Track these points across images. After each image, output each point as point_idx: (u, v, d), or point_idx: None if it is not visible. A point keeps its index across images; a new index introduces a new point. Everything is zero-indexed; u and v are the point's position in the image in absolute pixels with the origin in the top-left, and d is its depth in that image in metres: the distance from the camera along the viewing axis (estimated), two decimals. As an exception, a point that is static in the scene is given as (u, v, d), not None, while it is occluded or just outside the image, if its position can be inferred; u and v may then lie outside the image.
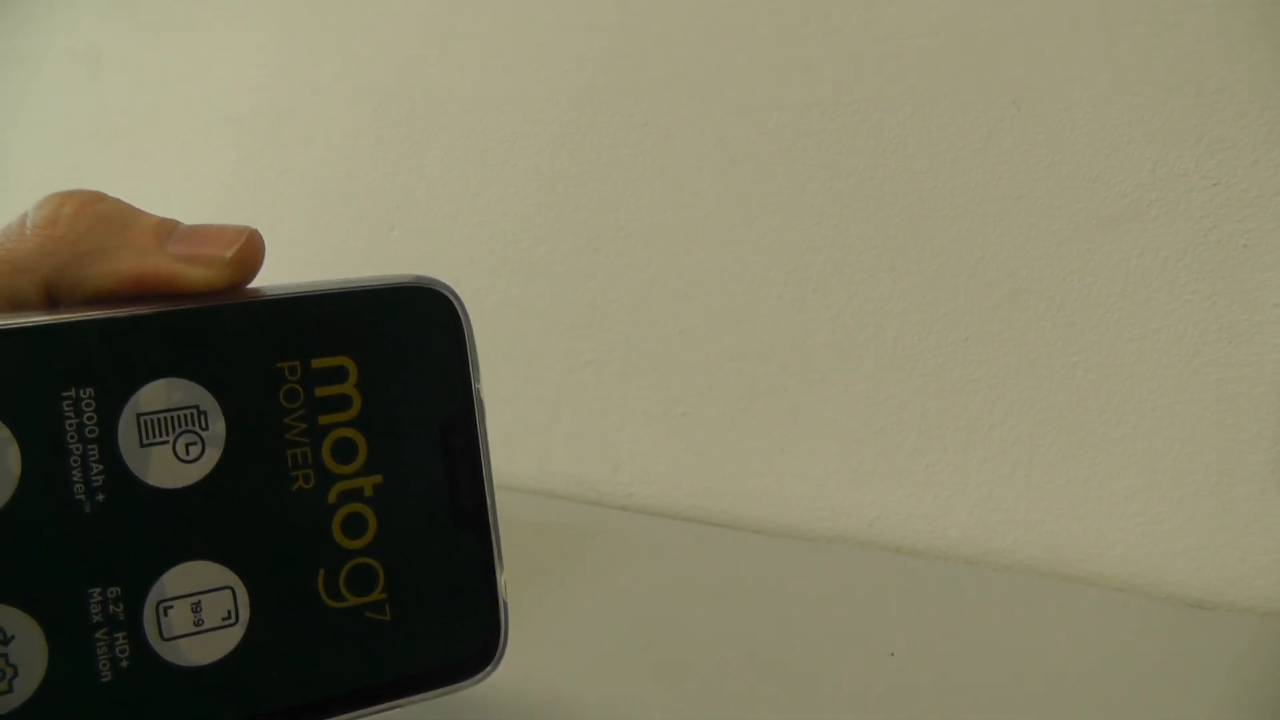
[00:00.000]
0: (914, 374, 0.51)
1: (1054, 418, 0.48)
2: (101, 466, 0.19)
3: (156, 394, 0.19)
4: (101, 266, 0.20)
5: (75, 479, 0.19)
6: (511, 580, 0.43)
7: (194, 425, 0.20)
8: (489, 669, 0.22)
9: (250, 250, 0.22)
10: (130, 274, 0.20)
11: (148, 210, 0.22)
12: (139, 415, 0.19)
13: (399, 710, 0.21)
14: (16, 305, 0.20)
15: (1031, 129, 0.48)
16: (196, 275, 0.21)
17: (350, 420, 0.21)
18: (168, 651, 0.19)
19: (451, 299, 0.23)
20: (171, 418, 0.19)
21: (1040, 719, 0.31)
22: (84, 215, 0.21)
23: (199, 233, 0.22)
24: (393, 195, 0.68)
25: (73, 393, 0.19)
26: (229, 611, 0.20)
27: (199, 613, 0.19)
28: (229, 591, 0.20)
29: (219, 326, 0.20)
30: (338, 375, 0.21)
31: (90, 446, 0.19)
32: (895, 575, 0.45)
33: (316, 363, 0.21)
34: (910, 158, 0.51)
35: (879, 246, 0.52)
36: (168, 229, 0.21)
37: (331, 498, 0.21)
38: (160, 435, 0.19)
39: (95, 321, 0.19)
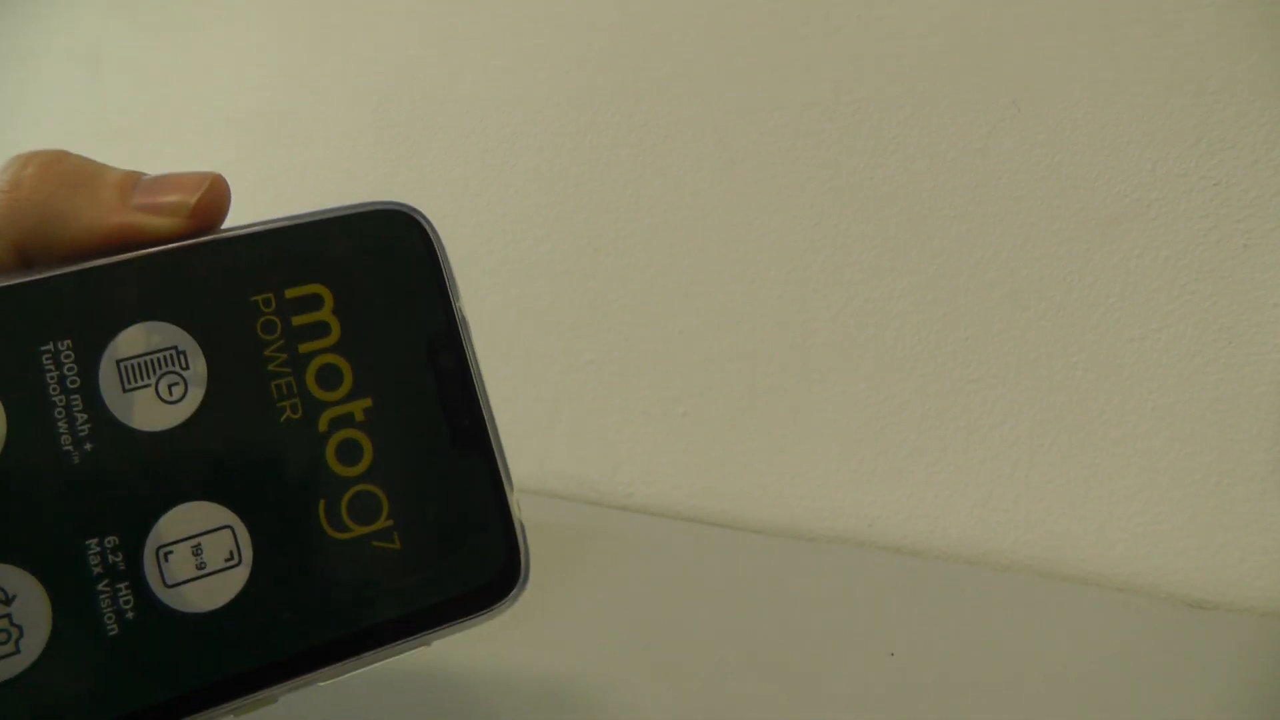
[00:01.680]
0: (914, 374, 0.51)
1: (1054, 418, 0.48)
2: (86, 415, 0.19)
3: (134, 339, 0.19)
4: (69, 226, 0.20)
5: (61, 430, 0.19)
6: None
7: (174, 366, 0.20)
8: (515, 592, 0.21)
9: (214, 195, 0.21)
10: (98, 231, 0.21)
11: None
12: (118, 362, 0.19)
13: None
14: None
15: (1031, 129, 0.48)
16: (161, 225, 0.21)
17: (331, 346, 0.21)
18: (172, 599, 0.19)
19: (420, 220, 0.22)
20: (151, 361, 0.19)
21: (1040, 719, 0.31)
22: (48, 176, 0.21)
23: (162, 182, 0.21)
24: (393, 195, 0.68)
25: (51, 346, 0.19)
26: (231, 552, 0.19)
27: (200, 555, 0.19)
28: (228, 531, 0.19)
29: (189, 266, 0.20)
30: (313, 303, 0.21)
31: (73, 397, 0.19)
32: (895, 575, 0.45)
33: (290, 292, 0.21)
34: (910, 158, 0.51)
35: (879, 246, 0.52)
36: (131, 181, 0.21)
37: (322, 426, 0.20)
38: (142, 379, 0.19)
39: (65, 275, 0.19)
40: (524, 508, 0.52)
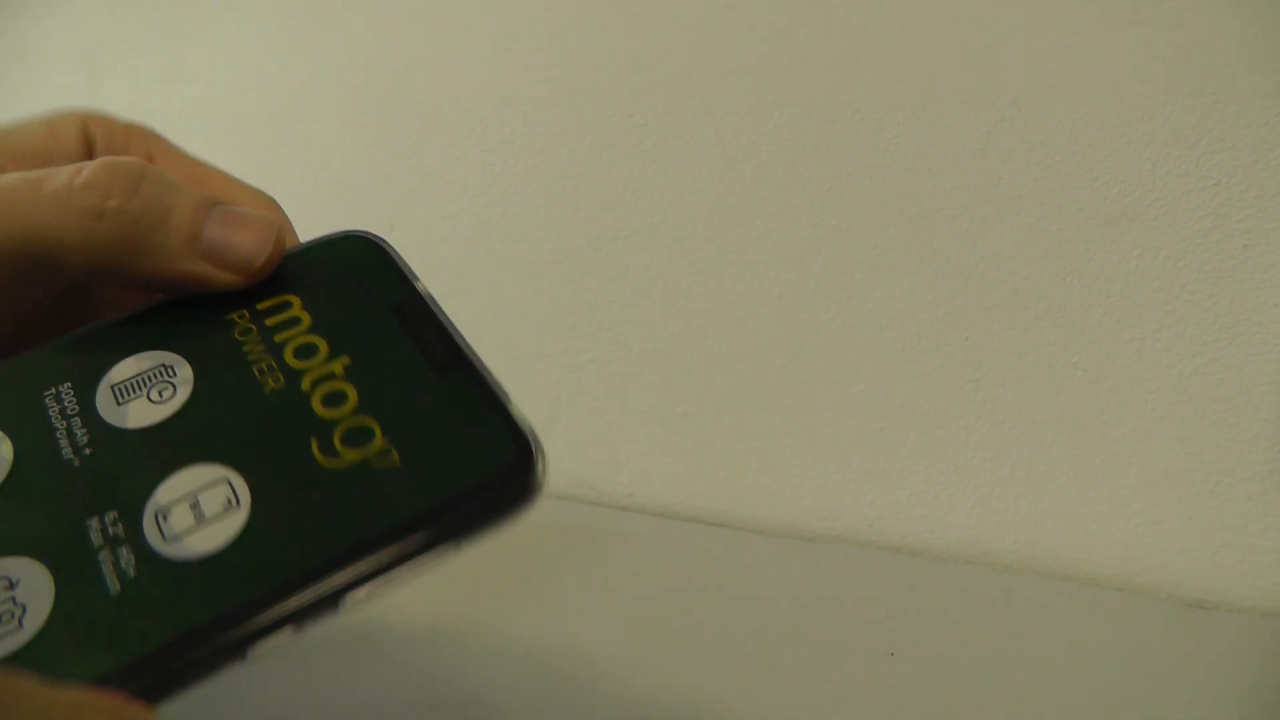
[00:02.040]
0: (914, 374, 0.51)
1: (1054, 418, 0.48)
2: (85, 429, 0.20)
3: (126, 367, 0.22)
4: (144, 265, 0.22)
5: (63, 445, 0.20)
6: (510, 579, 0.43)
7: (164, 377, 0.21)
8: (534, 491, 0.21)
9: (277, 256, 0.23)
10: (165, 276, 0.22)
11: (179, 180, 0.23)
12: (113, 386, 0.21)
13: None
14: (63, 280, 0.22)
15: (1031, 129, 0.48)
16: (225, 280, 0.23)
17: (305, 330, 0.22)
18: (173, 550, 0.19)
19: (376, 240, 0.24)
20: (142, 378, 0.21)
21: (1040, 719, 0.31)
22: (132, 205, 0.22)
23: (232, 225, 0.23)
24: (393, 195, 0.68)
25: (53, 390, 0.21)
26: (229, 499, 0.20)
27: (198, 509, 0.19)
28: (225, 483, 0.20)
29: (171, 309, 0.23)
30: (284, 306, 0.23)
31: (73, 419, 0.21)
32: (895, 575, 0.45)
33: (261, 305, 0.23)
34: (910, 158, 0.51)
35: (879, 246, 0.52)
36: (203, 216, 0.22)
37: (305, 385, 0.21)
38: (134, 393, 0.21)
39: (63, 341, 0.22)
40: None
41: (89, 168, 0.22)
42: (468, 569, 0.45)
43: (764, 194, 0.55)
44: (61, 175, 0.22)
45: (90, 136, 0.26)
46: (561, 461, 0.63)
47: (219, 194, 0.24)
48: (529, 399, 0.63)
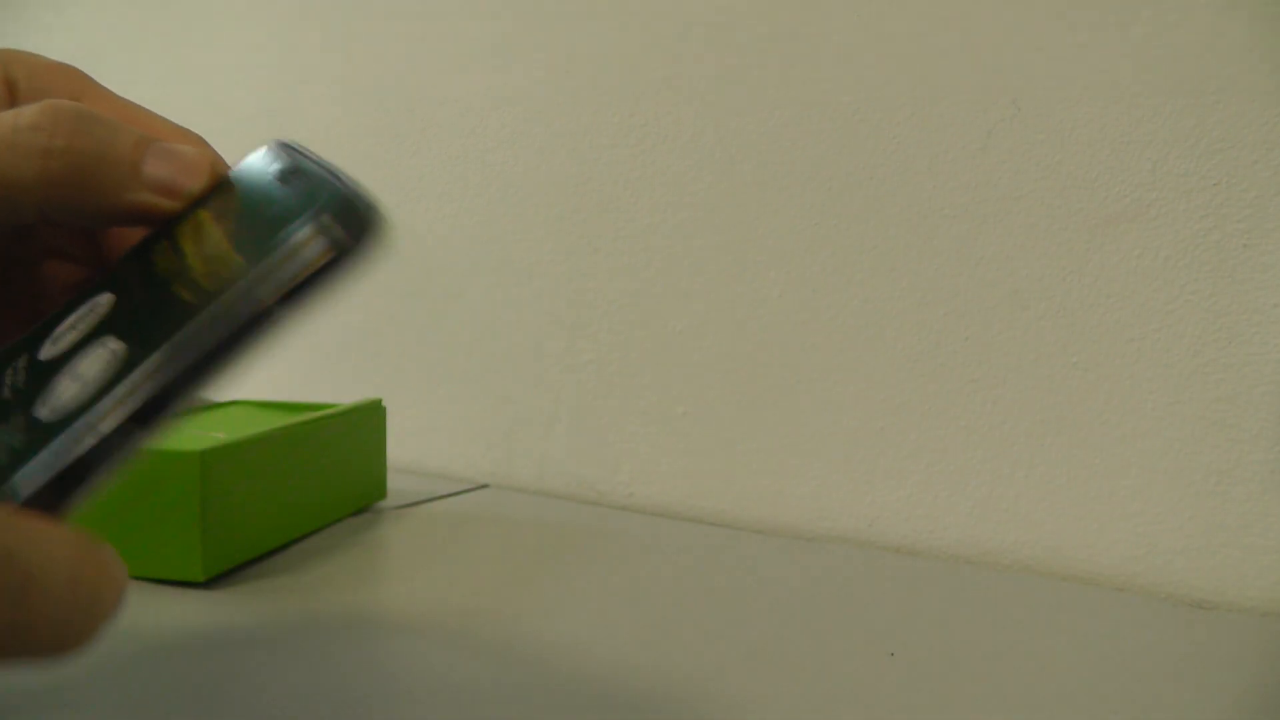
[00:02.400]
0: (914, 374, 0.51)
1: (1054, 417, 0.48)
2: (25, 369, 0.23)
3: (65, 325, 0.24)
4: (94, 199, 0.23)
5: (4, 389, 0.23)
6: (510, 579, 0.43)
7: (90, 311, 0.24)
8: (363, 226, 0.23)
9: (212, 182, 0.25)
10: (117, 207, 0.24)
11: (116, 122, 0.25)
12: (54, 338, 0.24)
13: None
14: (14, 222, 0.23)
15: (1031, 129, 0.48)
16: (166, 207, 0.24)
17: (204, 221, 0.24)
18: (49, 414, 0.21)
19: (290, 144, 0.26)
20: (74, 321, 0.24)
21: (1040, 719, 0.31)
22: (77, 142, 0.23)
23: (170, 160, 0.25)
24: (393, 195, 0.68)
25: (12, 363, 0.24)
26: (105, 359, 0.22)
27: (80, 377, 0.22)
28: (103, 346, 0.22)
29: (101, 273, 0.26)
30: (195, 218, 0.25)
31: (19, 370, 0.23)
32: (895, 575, 0.45)
33: (179, 229, 0.25)
34: (910, 158, 0.51)
35: (879, 246, 0.52)
36: (142, 153, 0.24)
37: (186, 249, 0.24)
38: (66, 334, 0.23)
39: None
40: (524, 508, 0.52)
41: (30, 110, 0.23)
42: (468, 569, 0.45)
43: (764, 194, 0.55)
44: (4, 119, 0.23)
45: (12, 78, 0.26)
46: (561, 461, 0.63)
47: (151, 131, 0.26)
48: (529, 399, 0.63)
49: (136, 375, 0.21)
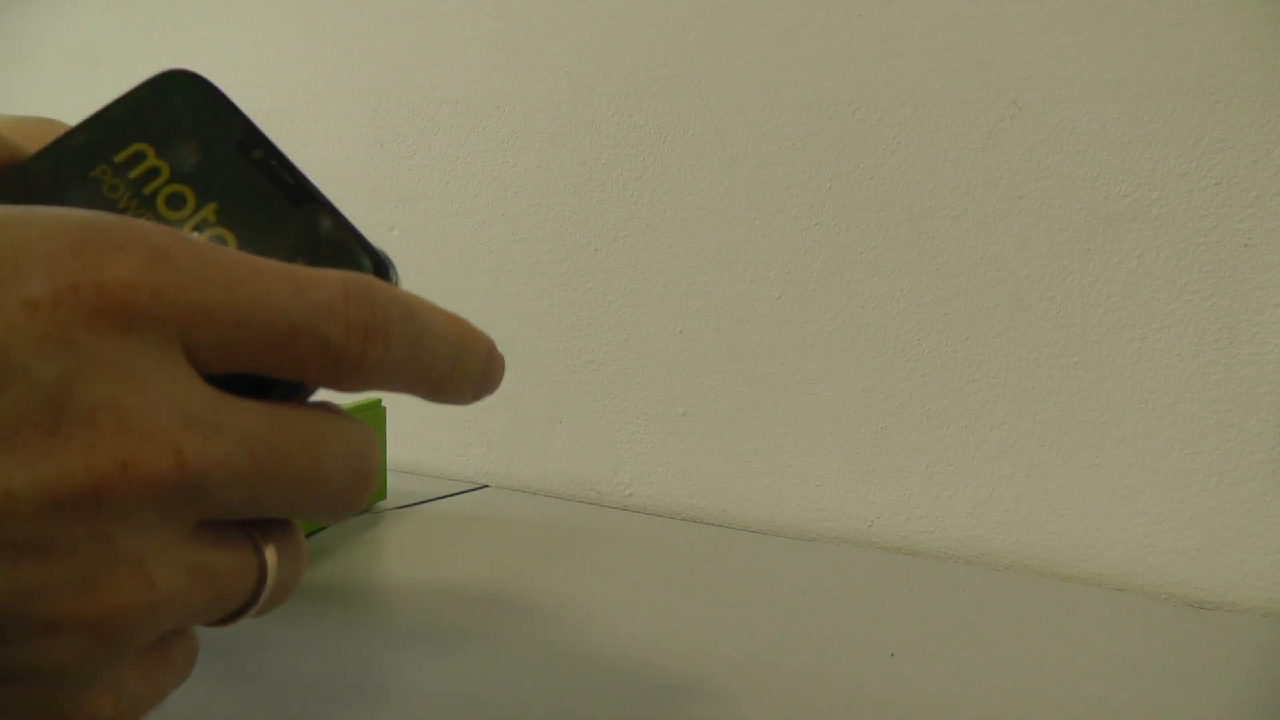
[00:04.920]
0: (914, 374, 0.51)
1: (1054, 418, 0.48)
2: None
3: None
4: None
5: None
6: (510, 579, 0.43)
7: None
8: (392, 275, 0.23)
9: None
10: None
11: None
12: None
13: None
14: None
15: (1031, 129, 0.48)
16: None
17: (167, 180, 0.24)
18: None
19: (196, 76, 0.25)
20: None
21: (1040, 719, 0.31)
22: None
23: None
24: (393, 195, 0.68)
25: None
26: None
27: None
28: None
29: (34, 174, 0.24)
30: (140, 157, 0.24)
31: None
32: (895, 575, 0.45)
33: (118, 157, 0.24)
34: (910, 158, 0.51)
35: (879, 246, 0.52)
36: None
37: (186, 232, 0.23)
38: None
39: None
40: (524, 508, 0.52)
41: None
42: (468, 569, 0.45)
43: (764, 194, 0.55)
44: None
45: None
46: (561, 461, 0.63)
47: None
48: (529, 399, 0.63)
49: None
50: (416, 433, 0.68)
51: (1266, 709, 0.33)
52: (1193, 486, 0.45)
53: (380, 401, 0.56)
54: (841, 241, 0.53)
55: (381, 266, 0.23)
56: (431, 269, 0.66)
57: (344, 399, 0.57)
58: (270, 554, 0.19)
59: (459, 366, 0.21)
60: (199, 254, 0.17)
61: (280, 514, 0.19)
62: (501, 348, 0.64)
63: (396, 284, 0.23)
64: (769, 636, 0.37)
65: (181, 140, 0.24)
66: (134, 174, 0.24)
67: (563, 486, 0.62)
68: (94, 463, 0.16)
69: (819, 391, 0.54)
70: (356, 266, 0.23)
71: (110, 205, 0.23)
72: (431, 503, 0.57)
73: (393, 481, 0.58)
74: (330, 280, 0.19)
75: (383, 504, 0.56)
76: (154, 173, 0.24)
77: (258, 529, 0.19)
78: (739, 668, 0.34)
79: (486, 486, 0.63)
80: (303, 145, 0.72)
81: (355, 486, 0.19)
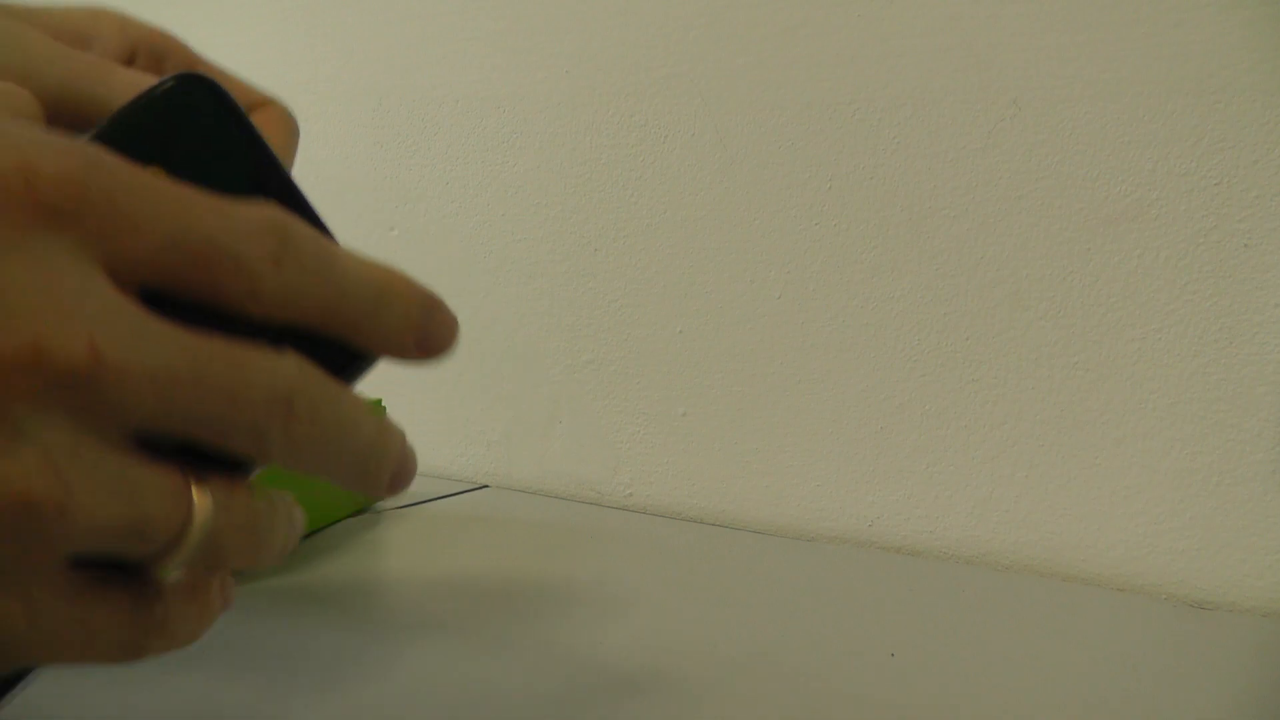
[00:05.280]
0: (914, 374, 0.51)
1: (1055, 418, 0.48)
2: None
3: None
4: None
5: None
6: (510, 579, 0.43)
7: None
8: None
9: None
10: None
11: None
12: None
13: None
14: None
15: (1031, 129, 0.48)
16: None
17: None
18: None
19: (212, 83, 0.23)
20: None
21: (1040, 719, 0.31)
22: None
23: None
24: (393, 195, 0.68)
25: None
26: None
27: None
28: None
29: None
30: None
31: None
32: (895, 575, 0.45)
33: None
34: (910, 158, 0.51)
35: (879, 246, 0.52)
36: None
37: None
38: None
39: None
40: (524, 508, 0.52)
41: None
42: (468, 568, 0.45)
43: (764, 194, 0.55)
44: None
45: (129, 35, 0.29)
46: (561, 461, 0.63)
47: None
48: (529, 399, 0.63)
49: None
50: (416, 433, 0.68)
51: (1266, 709, 0.33)
52: (1193, 486, 0.45)
53: (380, 402, 0.56)
54: (841, 241, 0.53)
55: None
56: (431, 269, 0.66)
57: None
58: (203, 494, 0.19)
59: (382, 308, 0.21)
60: (133, 174, 0.18)
61: (202, 434, 0.18)
62: (502, 347, 0.64)
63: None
64: (769, 636, 0.37)
65: (193, 169, 0.23)
66: None
67: (563, 486, 0.62)
68: (5, 341, 0.16)
69: (819, 391, 0.54)
70: None
71: None
72: (431, 503, 0.57)
73: (393, 481, 0.58)
74: (254, 209, 0.19)
75: (383, 504, 0.56)
76: None
77: (193, 468, 0.19)
78: (739, 668, 0.34)
79: (486, 486, 0.63)
80: (302, 145, 0.72)
81: (277, 412, 0.19)
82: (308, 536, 0.49)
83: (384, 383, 0.69)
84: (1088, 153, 0.47)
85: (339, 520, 0.52)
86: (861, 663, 0.35)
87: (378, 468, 0.23)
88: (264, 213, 0.19)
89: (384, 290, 0.21)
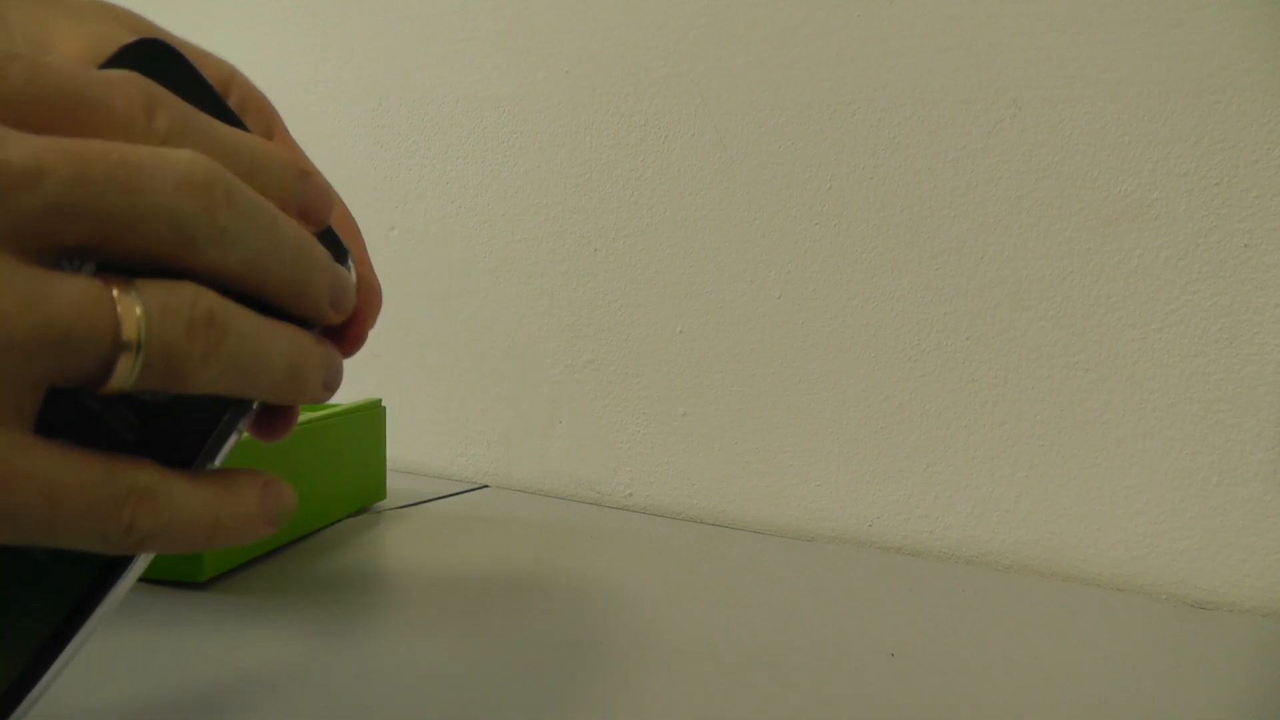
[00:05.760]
0: (914, 374, 0.51)
1: (1054, 418, 0.48)
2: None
3: None
4: None
5: None
6: (510, 579, 0.43)
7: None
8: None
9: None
10: None
11: None
12: None
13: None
14: None
15: (1031, 129, 0.48)
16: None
17: None
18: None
19: (164, 44, 0.23)
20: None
21: (1040, 719, 0.31)
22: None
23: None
24: (393, 195, 0.68)
25: None
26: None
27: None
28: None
29: None
30: None
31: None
32: (895, 575, 0.45)
33: None
34: (910, 158, 0.51)
35: (879, 246, 0.52)
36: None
37: None
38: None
39: None
40: (524, 508, 0.52)
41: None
42: (468, 569, 0.45)
43: (764, 194, 0.55)
44: None
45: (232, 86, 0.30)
46: (561, 461, 0.63)
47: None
48: (529, 399, 0.63)
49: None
50: (416, 433, 0.68)
51: (1266, 709, 0.33)
52: (1193, 486, 0.45)
53: (380, 402, 0.56)
54: (841, 241, 0.53)
55: (341, 252, 0.24)
56: (431, 269, 0.66)
57: (344, 399, 0.58)
58: (128, 296, 0.17)
59: (301, 256, 0.21)
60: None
61: (117, 236, 0.17)
62: (502, 347, 0.64)
63: (351, 270, 0.24)
64: (769, 636, 0.37)
65: None
66: None
67: (563, 486, 0.62)
68: None
69: (819, 391, 0.54)
70: (333, 248, 0.23)
71: None
72: (431, 503, 0.57)
73: (393, 481, 0.59)
74: (184, 155, 0.19)
75: (383, 504, 0.56)
76: None
77: (118, 277, 0.18)
78: (739, 668, 0.34)
79: (486, 486, 0.63)
80: (303, 145, 0.72)
81: (197, 196, 0.18)
82: (308, 537, 0.49)
83: (384, 383, 0.69)
84: (1088, 153, 0.47)
85: (339, 520, 0.52)
86: (861, 663, 0.35)
87: (308, 271, 0.21)
88: (193, 156, 0.19)
89: (303, 243, 0.21)
